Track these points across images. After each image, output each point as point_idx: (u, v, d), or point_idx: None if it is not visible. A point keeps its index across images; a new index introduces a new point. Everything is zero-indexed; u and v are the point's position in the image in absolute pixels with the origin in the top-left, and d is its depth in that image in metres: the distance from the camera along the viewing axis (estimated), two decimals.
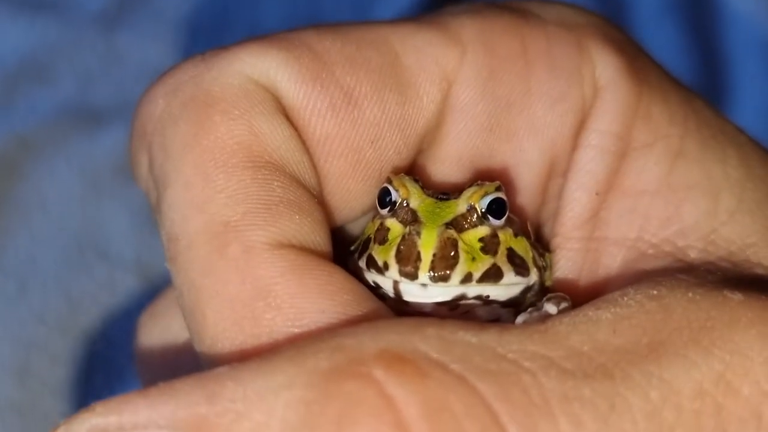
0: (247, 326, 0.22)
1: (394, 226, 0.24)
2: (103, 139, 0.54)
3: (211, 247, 0.22)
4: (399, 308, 0.24)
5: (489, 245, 0.24)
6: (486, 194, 0.24)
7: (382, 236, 0.24)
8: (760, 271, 0.24)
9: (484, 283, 0.23)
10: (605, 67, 0.25)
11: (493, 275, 0.24)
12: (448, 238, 0.23)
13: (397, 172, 0.25)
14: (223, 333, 0.22)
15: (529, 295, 0.25)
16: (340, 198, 0.25)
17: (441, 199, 0.24)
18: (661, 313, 0.22)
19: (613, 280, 0.25)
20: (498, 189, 0.24)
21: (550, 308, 0.24)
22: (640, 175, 0.25)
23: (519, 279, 0.24)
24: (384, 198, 0.24)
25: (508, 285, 0.24)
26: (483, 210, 0.24)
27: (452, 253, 0.23)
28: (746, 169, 0.25)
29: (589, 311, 0.22)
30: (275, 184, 0.23)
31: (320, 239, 0.24)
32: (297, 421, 0.18)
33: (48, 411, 0.43)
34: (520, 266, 0.24)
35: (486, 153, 0.26)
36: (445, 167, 0.26)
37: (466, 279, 0.23)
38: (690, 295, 0.22)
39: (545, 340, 0.20)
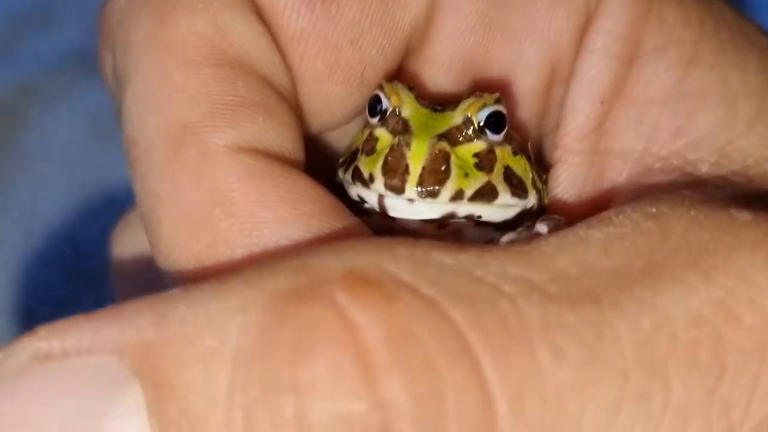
0: (202, 235, 0.20)
1: (384, 136, 0.22)
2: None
3: (168, 150, 0.21)
4: (384, 225, 0.22)
5: (484, 161, 0.22)
6: (484, 106, 0.22)
7: (370, 147, 0.22)
8: None
9: (476, 202, 0.21)
10: None
11: (486, 194, 0.22)
12: (440, 151, 0.21)
13: (390, 78, 0.23)
14: (178, 243, 0.21)
15: (525, 218, 0.23)
16: (317, 101, 0.23)
17: (436, 110, 0.22)
18: (659, 233, 0.20)
19: (617, 197, 0.23)
20: (497, 101, 0.22)
21: (541, 228, 0.22)
22: (649, 82, 0.23)
23: (515, 200, 0.23)
24: (375, 106, 0.22)
25: (502, 206, 0.22)
26: (480, 123, 0.22)
27: (443, 168, 0.21)
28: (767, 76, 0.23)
29: (579, 231, 0.20)
30: (239, 83, 0.21)
31: (288, 144, 0.22)
32: (251, 346, 0.16)
33: None
34: (517, 187, 0.22)
35: (480, 56, 0.24)
36: (436, 70, 0.24)
37: (457, 196, 0.21)
38: (692, 213, 0.20)
39: (529, 261, 0.18)
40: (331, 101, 0.23)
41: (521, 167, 0.23)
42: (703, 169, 0.22)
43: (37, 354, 0.17)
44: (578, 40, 0.23)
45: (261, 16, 0.22)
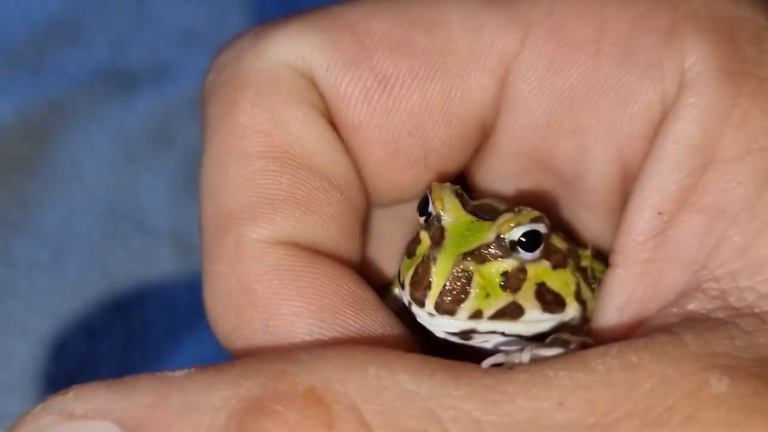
0: (231, 318, 0.22)
1: (425, 240, 0.22)
2: (137, 104, 0.52)
3: (214, 235, 0.23)
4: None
5: (511, 281, 0.22)
6: (519, 224, 0.22)
7: (413, 248, 0.23)
8: None
9: (498, 320, 0.22)
10: (697, 60, 0.21)
11: (509, 313, 0.22)
12: (464, 270, 0.21)
13: (446, 178, 0.24)
14: (216, 319, 0.23)
15: (565, 329, 0.23)
16: (383, 184, 0.24)
17: (480, 218, 0.22)
18: (624, 388, 0.19)
19: (648, 321, 0.22)
20: (535, 220, 0.22)
21: (524, 357, 0.21)
22: (721, 193, 0.21)
23: (548, 316, 0.22)
24: (423, 206, 0.23)
25: (531, 322, 0.22)
26: (513, 241, 0.22)
27: (464, 287, 0.21)
28: None
29: (551, 371, 0.19)
30: (284, 177, 0.22)
31: (329, 237, 0.23)
32: None
33: None
34: (550, 303, 0.22)
35: (547, 151, 0.23)
36: (501, 161, 0.24)
37: (475, 315, 0.21)
38: (669, 371, 0.19)
39: (486, 400, 0.18)
40: (397, 184, 0.24)
41: (561, 282, 0.22)
42: (749, 299, 0.21)
43: (65, 411, 0.20)
44: (650, 138, 0.22)
45: (327, 105, 0.22)
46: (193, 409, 0.20)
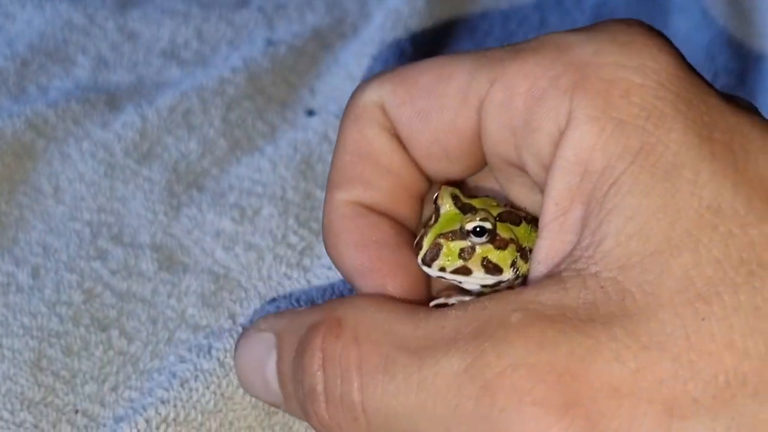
0: (326, 241, 0.38)
1: (431, 220, 0.37)
2: (116, 121, 0.52)
3: (326, 194, 0.39)
4: None
5: (465, 253, 0.35)
6: (472, 221, 0.35)
7: (425, 223, 0.37)
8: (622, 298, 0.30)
9: (455, 274, 0.35)
10: (578, 107, 0.32)
11: (463, 272, 0.35)
12: (437, 244, 0.35)
13: (451, 183, 0.38)
14: (323, 241, 0.38)
15: (503, 284, 0.36)
16: (429, 170, 0.38)
17: (462, 214, 0.35)
18: (471, 318, 0.31)
19: (553, 270, 0.33)
20: (484, 219, 0.35)
21: (466, 297, 0.36)
22: (592, 191, 0.32)
23: (489, 276, 0.35)
24: (435, 200, 0.37)
25: (478, 279, 0.35)
26: (468, 230, 0.35)
27: (437, 253, 0.35)
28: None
29: (451, 311, 0.32)
30: (359, 166, 0.37)
31: (383, 202, 0.37)
32: (290, 352, 0.34)
33: (61, 405, 0.41)
34: (491, 269, 0.35)
35: (506, 157, 0.35)
36: (490, 162, 0.37)
37: (441, 269, 0.35)
38: (500, 309, 0.30)
39: (418, 325, 0.32)
40: (437, 170, 0.37)
41: (500, 257, 0.35)
42: (584, 265, 0.31)
43: (257, 326, 0.36)
44: (553, 154, 0.33)
45: (390, 127, 0.37)
46: (291, 331, 0.35)
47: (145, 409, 0.39)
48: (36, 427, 0.40)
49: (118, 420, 0.40)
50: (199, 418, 0.40)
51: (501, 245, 0.35)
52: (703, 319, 0.28)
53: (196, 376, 0.40)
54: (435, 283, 0.38)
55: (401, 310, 0.33)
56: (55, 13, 0.58)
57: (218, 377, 0.40)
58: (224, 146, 0.52)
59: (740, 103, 0.33)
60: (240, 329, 0.42)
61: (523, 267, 0.35)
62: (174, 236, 0.47)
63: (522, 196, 0.37)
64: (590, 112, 0.32)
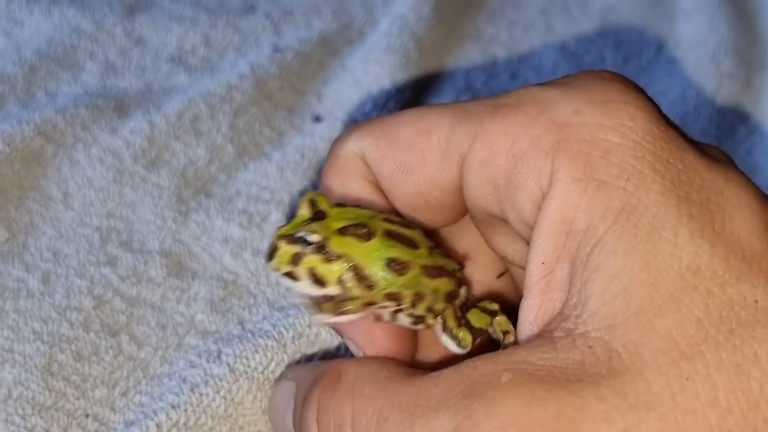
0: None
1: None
2: (125, 127, 0.52)
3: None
4: None
5: (294, 259, 0.36)
6: (299, 231, 0.35)
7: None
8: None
9: (286, 278, 0.36)
10: (560, 169, 0.32)
11: (291, 276, 0.36)
12: (275, 244, 0.36)
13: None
14: None
15: (336, 298, 0.36)
16: (412, 213, 0.38)
17: (315, 218, 0.36)
18: (462, 377, 0.31)
19: (544, 329, 0.33)
20: (308, 232, 0.35)
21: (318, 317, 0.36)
22: (576, 251, 0.32)
23: (314, 287, 0.36)
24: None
25: (304, 286, 0.36)
26: (297, 237, 0.36)
27: (273, 252, 0.36)
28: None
29: (459, 371, 0.31)
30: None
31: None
32: (306, 398, 0.35)
33: (72, 409, 0.41)
34: (315, 281, 0.35)
35: (487, 209, 0.36)
36: (472, 212, 0.37)
37: (276, 270, 0.36)
38: (490, 369, 0.30)
39: (411, 389, 0.32)
40: (418, 218, 0.38)
41: (327, 270, 0.35)
42: (572, 325, 0.31)
43: (286, 375, 0.39)
44: (536, 213, 0.33)
45: (372, 178, 0.38)
46: (308, 378, 0.36)
47: (155, 413, 0.40)
48: (47, 431, 0.40)
49: (128, 424, 0.40)
50: (210, 422, 0.40)
51: (330, 258, 0.35)
52: (687, 378, 0.29)
53: (206, 381, 0.40)
54: (421, 348, 0.38)
55: (402, 370, 0.33)
56: (63, 19, 0.59)
57: (228, 382, 0.40)
58: (232, 152, 0.52)
59: (715, 155, 0.34)
60: (249, 335, 0.43)
61: (353, 288, 0.35)
62: (183, 242, 0.48)
63: (503, 245, 0.38)
64: (572, 174, 0.32)
